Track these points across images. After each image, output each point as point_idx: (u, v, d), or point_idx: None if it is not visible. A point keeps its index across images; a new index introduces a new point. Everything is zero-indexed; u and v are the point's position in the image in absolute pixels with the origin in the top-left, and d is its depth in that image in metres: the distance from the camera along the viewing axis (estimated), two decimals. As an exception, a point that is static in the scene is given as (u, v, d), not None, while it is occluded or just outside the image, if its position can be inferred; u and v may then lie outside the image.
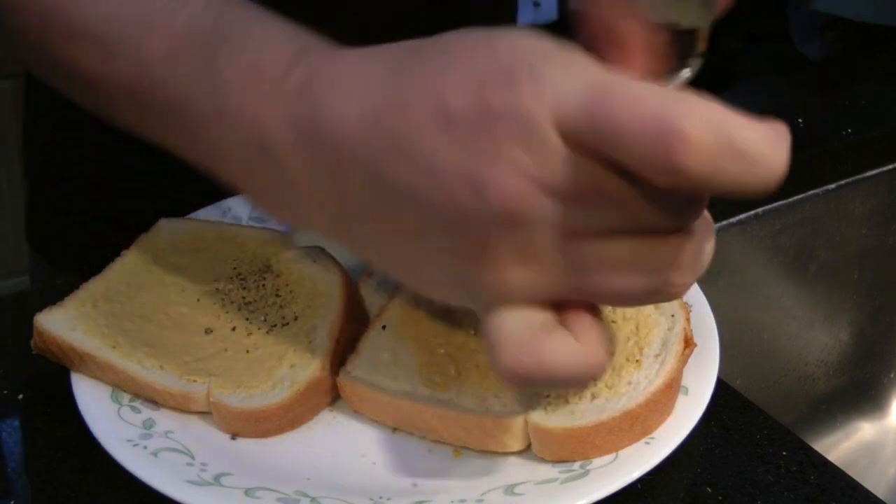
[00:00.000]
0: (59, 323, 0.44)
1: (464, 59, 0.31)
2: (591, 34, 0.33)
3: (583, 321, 0.32)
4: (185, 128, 0.38)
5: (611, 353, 0.42)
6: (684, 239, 0.31)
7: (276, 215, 0.39)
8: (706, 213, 0.32)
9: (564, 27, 0.33)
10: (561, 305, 0.32)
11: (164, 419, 0.42)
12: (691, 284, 0.32)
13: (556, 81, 0.29)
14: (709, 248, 0.32)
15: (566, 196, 0.30)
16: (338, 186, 0.34)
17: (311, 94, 0.34)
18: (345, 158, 0.33)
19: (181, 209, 0.53)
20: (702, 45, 0.35)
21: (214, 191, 0.55)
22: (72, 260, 0.64)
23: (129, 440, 0.40)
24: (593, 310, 0.33)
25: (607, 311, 0.44)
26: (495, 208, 0.30)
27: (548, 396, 0.41)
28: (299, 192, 0.35)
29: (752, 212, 0.70)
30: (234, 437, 0.42)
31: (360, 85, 0.33)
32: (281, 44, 0.36)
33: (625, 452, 0.39)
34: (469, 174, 0.30)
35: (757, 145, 0.27)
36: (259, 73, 0.36)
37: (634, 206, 0.30)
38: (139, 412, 0.42)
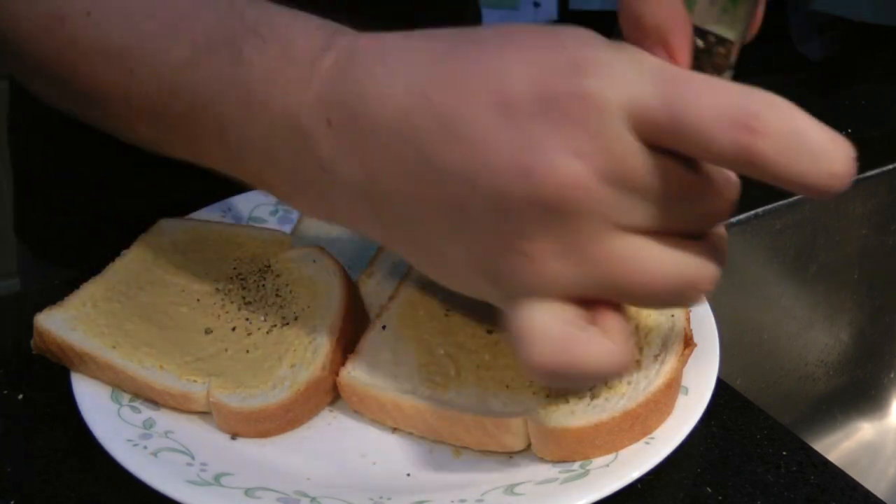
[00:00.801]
0: (59, 323, 0.44)
1: (527, 47, 0.31)
2: (636, 32, 0.33)
3: (610, 319, 0.32)
4: (209, 128, 0.37)
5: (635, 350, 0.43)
6: (707, 244, 0.32)
7: (300, 205, 0.38)
8: (721, 226, 0.33)
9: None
10: (588, 302, 0.32)
11: (164, 419, 0.42)
12: (709, 288, 0.32)
13: (627, 72, 0.29)
14: (723, 257, 0.33)
15: (623, 188, 0.30)
16: (374, 165, 0.33)
17: (351, 72, 0.33)
18: (386, 134, 0.32)
19: (181, 209, 0.53)
20: (734, 59, 0.35)
21: (214, 191, 0.55)
22: (71, 259, 0.64)
23: (129, 440, 0.40)
24: (619, 308, 0.33)
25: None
26: (547, 195, 0.29)
27: (547, 396, 0.41)
28: (329, 176, 0.34)
29: (752, 212, 0.70)
30: (234, 437, 0.42)
31: (408, 62, 0.32)
32: (312, 29, 0.35)
33: (625, 452, 0.39)
34: (522, 158, 0.29)
35: (821, 141, 0.28)
36: (290, 58, 0.35)
37: (679, 203, 0.31)
38: (139, 412, 0.42)
